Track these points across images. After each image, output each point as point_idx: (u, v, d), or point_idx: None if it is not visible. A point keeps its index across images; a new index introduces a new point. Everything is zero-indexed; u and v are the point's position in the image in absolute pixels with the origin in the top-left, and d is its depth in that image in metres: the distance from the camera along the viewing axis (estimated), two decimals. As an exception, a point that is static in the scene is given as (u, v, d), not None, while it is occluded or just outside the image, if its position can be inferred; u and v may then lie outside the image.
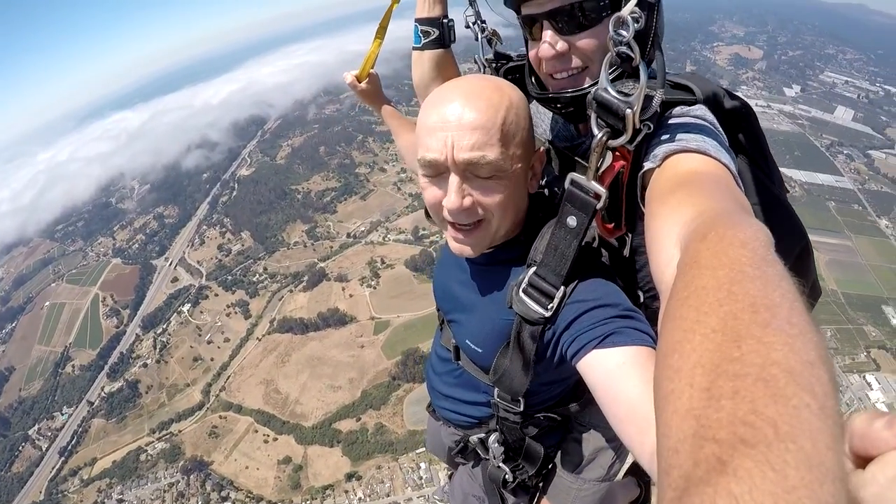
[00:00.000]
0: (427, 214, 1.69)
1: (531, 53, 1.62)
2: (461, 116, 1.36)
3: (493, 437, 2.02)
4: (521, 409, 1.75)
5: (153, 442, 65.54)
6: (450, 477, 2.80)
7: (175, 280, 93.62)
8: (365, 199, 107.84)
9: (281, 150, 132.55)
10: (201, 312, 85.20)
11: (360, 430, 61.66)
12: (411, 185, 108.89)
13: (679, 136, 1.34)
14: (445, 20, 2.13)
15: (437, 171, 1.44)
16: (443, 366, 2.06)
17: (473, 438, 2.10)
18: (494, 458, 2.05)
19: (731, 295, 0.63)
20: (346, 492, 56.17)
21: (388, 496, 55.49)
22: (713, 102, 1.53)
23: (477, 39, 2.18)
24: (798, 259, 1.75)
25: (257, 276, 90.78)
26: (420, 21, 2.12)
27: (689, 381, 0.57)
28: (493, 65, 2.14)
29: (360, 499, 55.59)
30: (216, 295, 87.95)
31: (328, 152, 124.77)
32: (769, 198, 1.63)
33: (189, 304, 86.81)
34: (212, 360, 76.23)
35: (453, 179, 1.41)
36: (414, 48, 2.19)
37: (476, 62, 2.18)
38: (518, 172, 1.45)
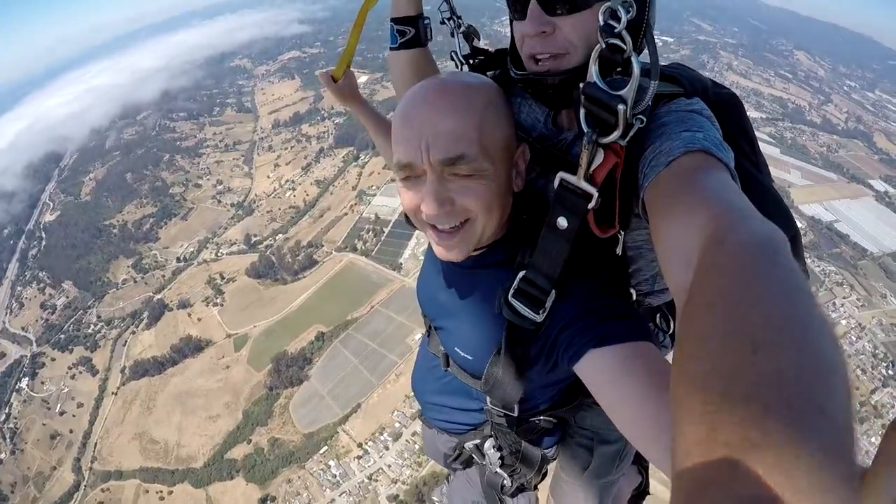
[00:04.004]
0: (407, 219, 1.48)
1: (516, 33, 1.47)
2: (436, 114, 1.23)
3: (488, 443, 1.85)
4: (516, 414, 1.62)
5: (40, 546, 54.81)
6: (447, 479, 2.65)
7: (2, 356, 77.97)
8: (186, 218, 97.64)
9: (84, 185, 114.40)
10: (42, 383, 71.91)
11: (255, 452, 56.25)
12: (231, 196, 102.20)
13: (682, 134, 1.18)
14: (421, 19, 1.98)
15: (414, 174, 1.29)
16: (430, 373, 1.88)
17: (469, 444, 1.91)
18: (491, 463, 1.90)
19: (746, 300, 0.61)
20: (266, 517, 51.87)
21: (310, 505, 52.24)
22: (702, 93, 1.41)
23: (453, 35, 1.99)
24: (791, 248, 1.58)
25: (92, 326, 78.71)
26: (395, 21, 1.97)
27: (704, 385, 0.54)
28: (471, 61, 1.90)
29: (282, 518, 51.57)
30: (53, 360, 74.72)
31: (136, 178, 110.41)
32: (761, 189, 1.49)
33: (27, 378, 72.80)
34: (71, 431, 64.87)
35: (430, 181, 1.26)
36: (390, 48, 2.05)
37: (453, 59, 1.98)
38: (500, 171, 1.30)
